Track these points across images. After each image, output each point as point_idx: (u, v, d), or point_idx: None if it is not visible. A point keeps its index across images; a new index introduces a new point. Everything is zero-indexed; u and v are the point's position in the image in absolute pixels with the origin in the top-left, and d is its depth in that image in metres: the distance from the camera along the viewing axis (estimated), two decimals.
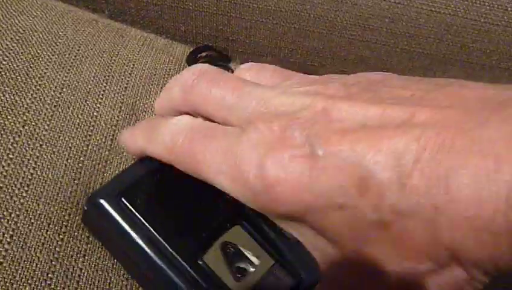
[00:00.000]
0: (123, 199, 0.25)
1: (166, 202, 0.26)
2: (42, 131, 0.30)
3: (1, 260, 0.25)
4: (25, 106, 0.30)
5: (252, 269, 0.25)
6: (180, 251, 0.24)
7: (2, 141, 0.29)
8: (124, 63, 0.35)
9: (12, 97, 0.30)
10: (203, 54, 0.38)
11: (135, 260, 0.26)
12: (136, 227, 0.25)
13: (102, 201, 0.25)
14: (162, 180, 0.26)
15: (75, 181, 0.29)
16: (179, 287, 0.24)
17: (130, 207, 0.25)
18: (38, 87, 0.31)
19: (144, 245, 0.25)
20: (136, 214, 0.25)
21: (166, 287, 0.24)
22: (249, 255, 0.25)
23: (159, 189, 0.26)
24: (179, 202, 0.26)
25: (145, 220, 0.25)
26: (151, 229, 0.25)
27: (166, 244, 0.24)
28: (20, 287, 0.25)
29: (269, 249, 0.25)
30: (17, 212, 0.27)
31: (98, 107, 0.32)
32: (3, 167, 0.28)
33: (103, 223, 0.26)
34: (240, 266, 0.25)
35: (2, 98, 0.30)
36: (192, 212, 0.26)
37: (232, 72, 0.38)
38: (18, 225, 0.27)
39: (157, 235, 0.25)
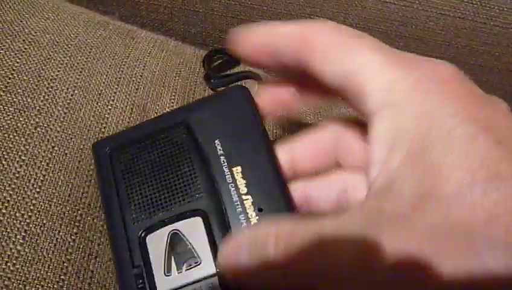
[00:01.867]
0: (111, 155, 0.26)
1: (145, 170, 0.26)
2: (54, 133, 0.30)
3: (14, 261, 0.26)
4: (37, 107, 0.30)
5: (187, 270, 0.23)
6: (129, 220, 0.24)
7: (14, 143, 0.29)
8: (135, 65, 0.35)
9: (24, 99, 0.31)
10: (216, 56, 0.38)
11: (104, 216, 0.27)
12: (107, 184, 0.26)
13: (97, 150, 0.27)
14: (155, 147, 0.26)
15: (87, 183, 0.29)
16: (113, 251, 0.24)
17: (112, 164, 0.26)
18: (50, 88, 0.32)
19: (105, 203, 0.25)
20: (113, 171, 0.26)
21: (111, 247, 0.25)
22: (193, 254, 0.23)
23: (146, 154, 0.26)
24: (156, 173, 0.25)
25: (115, 180, 0.25)
26: (115, 190, 0.25)
27: (120, 209, 0.25)
28: (33, 288, 0.25)
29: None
30: (29, 213, 0.27)
31: (110, 109, 0.32)
32: (15, 168, 0.28)
33: (96, 167, 0.27)
34: (178, 261, 0.23)
35: (15, 99, 0.30)
36: (163, 189, 0.25)
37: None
38: (30, 225, 0.27)
39: (116, 198, 0.25)
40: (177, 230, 0.24)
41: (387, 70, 0.20)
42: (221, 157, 0.25)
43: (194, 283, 0.22)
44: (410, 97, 0.19)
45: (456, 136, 0.17)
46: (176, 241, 0.23)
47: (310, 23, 0.22)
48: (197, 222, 0.24)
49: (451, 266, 0.16)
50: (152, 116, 0.33)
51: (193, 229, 0.23)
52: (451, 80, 0.20)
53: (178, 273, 0.23)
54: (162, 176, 0.25)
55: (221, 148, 0.25)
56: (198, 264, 0.23)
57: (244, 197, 0.24)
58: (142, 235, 0.24)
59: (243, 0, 0.43)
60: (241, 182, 0.24)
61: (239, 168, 0.25)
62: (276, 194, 0.24)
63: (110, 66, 0.34)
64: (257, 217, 0.23)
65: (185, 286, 0.22)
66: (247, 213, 0.24)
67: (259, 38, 0.23)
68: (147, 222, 0.24)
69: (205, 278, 0.22)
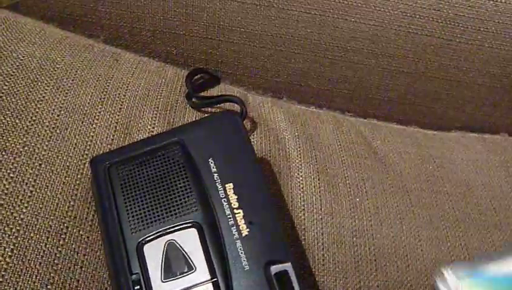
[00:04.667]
0: (109, 169, 0.28)
1: (143, 185, 0.28)
2: (41, 151, 0.32)
3: (3, 273, 0.27)
4: (25, 128, 0.32)
5: (182, 276, 0.25)
6: (127, 231, 0.26)
7: (3, 161, 0.30)
8: (119, 86, 0.37)
9: (13, 120, 0.32)
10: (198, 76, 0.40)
11: (99, 226, 0.28)
12: (104, 196, 0.28)
13: (95, 165, 0.29)
14: (152, 163, 0.28)
15: (73, 197, 0.31)
16: (109, 259, 0.26)
17: (110, 178, 0.28)
18: (37, 110, 0.33)
19: (102, 214, 0.27)
20: (111, 185, 0.28)
21: (107, 255, 0.26)
22: (188, 262, 0.25)
23: (144, 170, 0.28)
24: (154, 188, 0.27)
25: (113, 193, 0.28)
26: (113, 202, 0.27)
27: (118, 220, 0.26)
28: None
29: (214, 265, 0.25)
30: (18, 227, 0.29)
31: (94, 128, 0.34)
32: (4, 185, 0.30)
33: (93, 182, 0.29)
34: (174, 268, 0.25)
35: (4, 120, 0.32)
36: (161, 202, 0.27)
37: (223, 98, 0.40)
38: (18, 239, 0.28)
39: (114, 209, 0.27)
40: (174, 240, 0.26)
41: None
42: (215, 174, 0.28)
43: (188, 288, 0.24)
44: None
45: None
46: (172, 250, 0.25)
47: None
48: (192, 233, 0.26)
49: None
50: (135, 134, 0.35)
51: (188, 240, 0.26)
52: None
53: (174, 279, 0.25)
54: (159, 190, 0.27)
55: (214, 166, 0.28)
56: (193, 272, 0.25)
57: (236, 211, 0.27)
58: (140, 244, 0.26)
59: (221, 22, 0.45)
60: (233, 198, 0.27)
61: (231, 185, 0.27)
62: (265, 208, 0.27)
63: (94, 87, 0.36)
64: (248, 229, 0.26)
65: None
66: (239, 225, 0.26)
67: None
68: (144, 233, 0.26)
69: (199, 284, 0.25)
